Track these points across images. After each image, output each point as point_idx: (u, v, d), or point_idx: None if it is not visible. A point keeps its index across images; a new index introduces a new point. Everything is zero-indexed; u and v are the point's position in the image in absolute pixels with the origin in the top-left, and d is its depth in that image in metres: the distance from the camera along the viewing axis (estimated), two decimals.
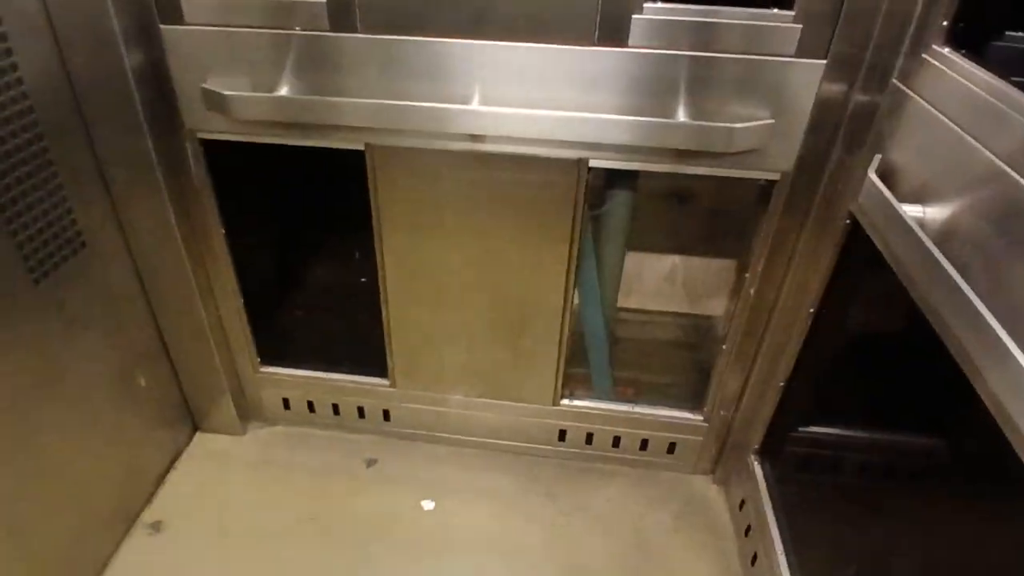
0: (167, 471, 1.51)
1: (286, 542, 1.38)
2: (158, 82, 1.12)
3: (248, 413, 1.62)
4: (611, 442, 1.52)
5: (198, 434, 1.62)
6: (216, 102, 1.10)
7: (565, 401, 1.48)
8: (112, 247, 1.26)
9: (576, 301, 1.40)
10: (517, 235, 1.24)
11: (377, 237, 1.27)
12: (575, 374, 1.50)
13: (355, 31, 1.05)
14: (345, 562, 1.35)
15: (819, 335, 1.15)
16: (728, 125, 1.00)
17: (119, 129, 1.14)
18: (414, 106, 1.06)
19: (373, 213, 1.24)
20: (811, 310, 1.14)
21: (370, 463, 1.55)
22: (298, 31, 1.06)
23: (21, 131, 1.01)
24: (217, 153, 1.23)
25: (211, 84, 1.11)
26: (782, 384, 1.24)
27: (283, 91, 1.10)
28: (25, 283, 1.06)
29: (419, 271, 1.31)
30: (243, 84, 1.11)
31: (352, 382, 1.53)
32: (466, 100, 1.06)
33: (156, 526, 1.40)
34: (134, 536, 1.38)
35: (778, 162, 1.08)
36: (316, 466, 1.54)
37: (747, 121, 1.02)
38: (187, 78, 1.12)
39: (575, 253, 1.25)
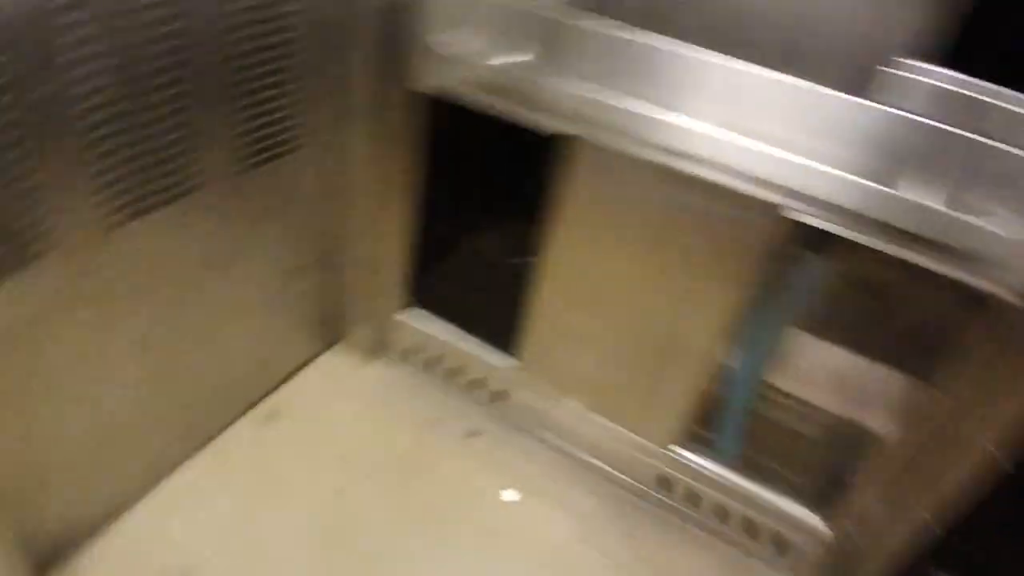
0: (292, 374, 1.63)
1: (367, 479, 1.43)
2: (395, 26, 1.19)
3: (380, 347, 1.70)
4: (715, 511, 1.40)
5: (330, 350, 1.72)
6: (444, 58, 1.15)
7: (678, 449, 1.38)
8: (318, 159, 1.37)
9: (728, 355, 1.30)
10: (690, 264, 1.16)
11: (548, 224, 1.26)
12: (698, 430, 1.40)
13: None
14: (409, 517, 1.37)
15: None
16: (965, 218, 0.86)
17: (351, 61, 1.24)
18: (619, 107, 1.03)
19: (551, 200, 1.23)
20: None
21: (471, 434, 1.56)
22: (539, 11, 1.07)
23: (281, 44, 1.14)
24: (427, 107, 1.28)
25: (445, 39, 1.15)
26: (928, 521, 1.06)
27: (508, 60, 1.12)
28: (239, 167, 1.18)
29: (578, 268, 1.29)
30: (474, 45, 1.14)
31: (481, 352, 1.55)
32: (679, 111, 1.01)
33: (268, 418, 1.52)
34: (246, 420, 1.50)
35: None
36: (421, 417, 1.58)
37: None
38: (424, 29, 1.17)
39: (745, 305, 1.16)
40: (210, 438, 1.44)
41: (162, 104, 0.98)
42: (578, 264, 1.28)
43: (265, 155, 1.22)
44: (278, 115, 1.21)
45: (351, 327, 1.67)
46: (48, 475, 1.09)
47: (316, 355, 1.69)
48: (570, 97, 1.08)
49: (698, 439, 1.41)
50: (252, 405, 1.52)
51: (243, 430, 1.48)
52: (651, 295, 1.24)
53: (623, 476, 1.47)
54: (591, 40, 1.05)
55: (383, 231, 1.48)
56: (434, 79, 1.20)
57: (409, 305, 1.61)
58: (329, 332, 1.69)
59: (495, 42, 1.12)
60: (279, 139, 1.24)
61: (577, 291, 1.31)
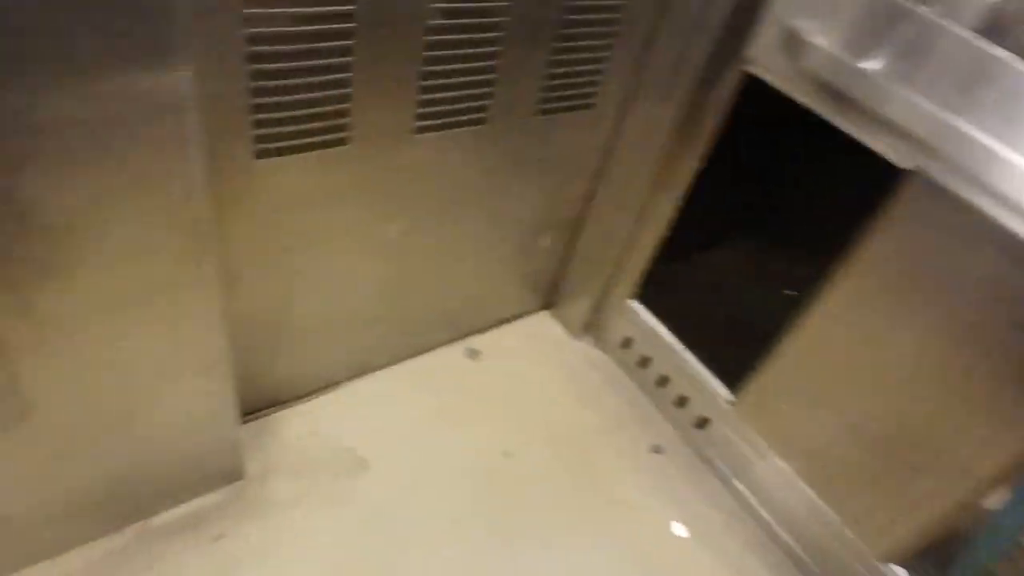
0: (502, 322, 1.63)
1: (538, 451, 1.39)
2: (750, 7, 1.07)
3: (593, 327, 1.64)
4: None
5: (541, 312, 1.70)
6: (792, 45, 1.01)
7: (896, 568, 1.15)
8: (605, 124, 1.31)
9: (995, 493, 1.04)
10: (1002, 369, 0.92)
11: (841, 263, 1.08)
12: (926, 558, 1.14)
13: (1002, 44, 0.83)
14: (566, 509, 1.31)
15: None
16: None
17: (683, 28, 1.15)
18: (988, 145, 0.82)
19: (856, 238, 1.04)
20: None
21: (656, 449, 1.45)
22: (923, 10, 0.88)
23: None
24: (746, 95, 1.15)
25: (797, 25, 1.00)
26: None
27: (861, 63, 0.94)
28: (532, 110, 1.17)
29: (854, 323, 1.09)
30: (828, 38, 0.98)
31: (699, 372, 1.41)
32: None
33: (472, 354, 1.54)
34: (450, 349, 1.54)
35: None
36: (612, 411, 1.51)
37: None
38: (776, 11, 1.04)
39: None
40: (416, 353, 1.49)
41: (484, 42, 1.00)
42: (857, 319, 1.08)
43: (558, 104, 1.19)
44: (585, 68, 1.17)
45: (569, 298, 1.63)
46: (281, 336, 1.19)
47: (528, 312, 1.68)
48: (923, 120, 0.89)
49: (922, 568, 1.16)
50: (458, 338, 1.56)
51: (445, 357, 1.52)
52: (934, 386, 1.01)
53: (813, 566, 1.27)
54: (965, 52, 0.84)
55: (642, 214, 1.39)
56: (777, 66, 1.06)
57: (637, 297, 1.52)
58: (546, 295, 1.67)
59: (854, 39, 0.96)
60: (577, 92, 1.20)
61: (841, 347, 1.12)
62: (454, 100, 1.04)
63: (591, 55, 1.15)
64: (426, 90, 1.00)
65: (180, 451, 1.05)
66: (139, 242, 0.75)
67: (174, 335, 0.88)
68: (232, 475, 1.18)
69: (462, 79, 1.02)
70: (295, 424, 1.31)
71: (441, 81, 1.00)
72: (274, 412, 1.31)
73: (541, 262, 1.55)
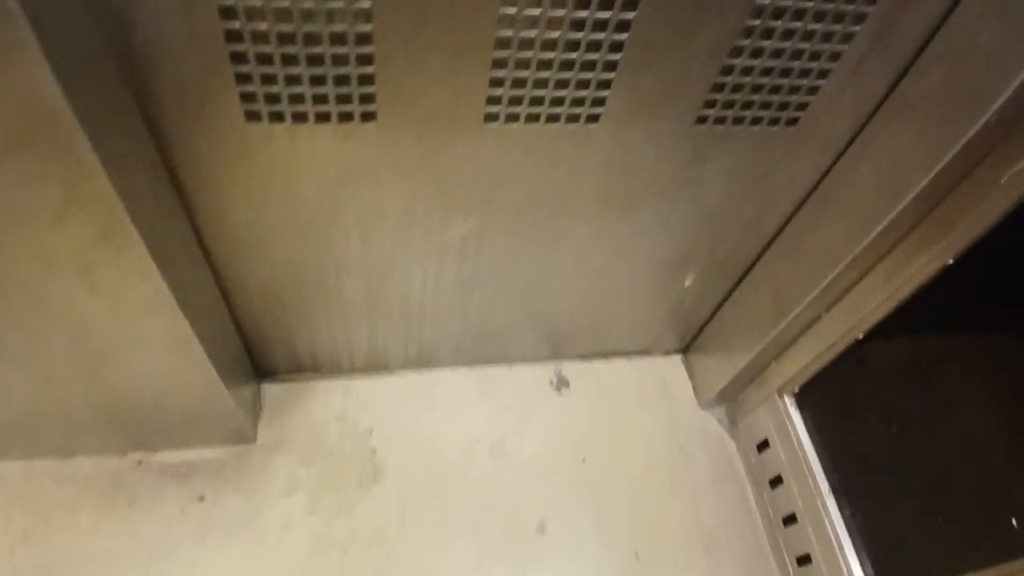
0: (616, 355, 1.30)
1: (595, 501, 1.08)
2: None
3: (730, 400, 1.23)
4: None
5: (676, 356, 1.32)
6: None
7: None
8: (809, 152, 0.85)
9: None
10: None
11: None
12: None
13: None
14: None
15: None
16: None
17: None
18: None
19: None
20: None
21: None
22: None
23: None
24: None
25: None
26: None
27: None
28: (693, 117, 0.78)
29: None
30: None
31: (838, 535, 0.97)
32: None
33: (560, 383, 1.25)
34: (537, 370, 1.27)
35: None
36: (701, 525, 1.13)
37: None
38: None
39: None
40: (492, 361, 1.24)
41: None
42: None
43: (733, 112, 0.77)
44: (795, 65, 0.73)
45: (712, 350, 1.22)
46: (314, 306, 1.02)
47: (652, 350, 1.31)
48: None
49: None
50: (549, 357, 1.26)
51: (526, 376, 1.25)
52: None
53: None
54: None
55: (833, 289, 0.92)
56: None
57: (794, 395, 1.07)
58: (683, 333, 1.27)
59: None
60: (773, 99, 0.77)
61: None
62: (548, 83, 0.70)
63: (812, 44, 0.71)
64: (500, 64, 0.67)
65: (174, 403, 0.96)
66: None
67: (118, 310, 0.74)
68: (239, 436, 1.09)
69: (563, 55, 0.67)
70: (328, 400, 1.17)
71: (526, 54, 0.66)
72: (314, 379, 1.18)
73: (682, 297, 1.16)
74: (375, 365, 1.18)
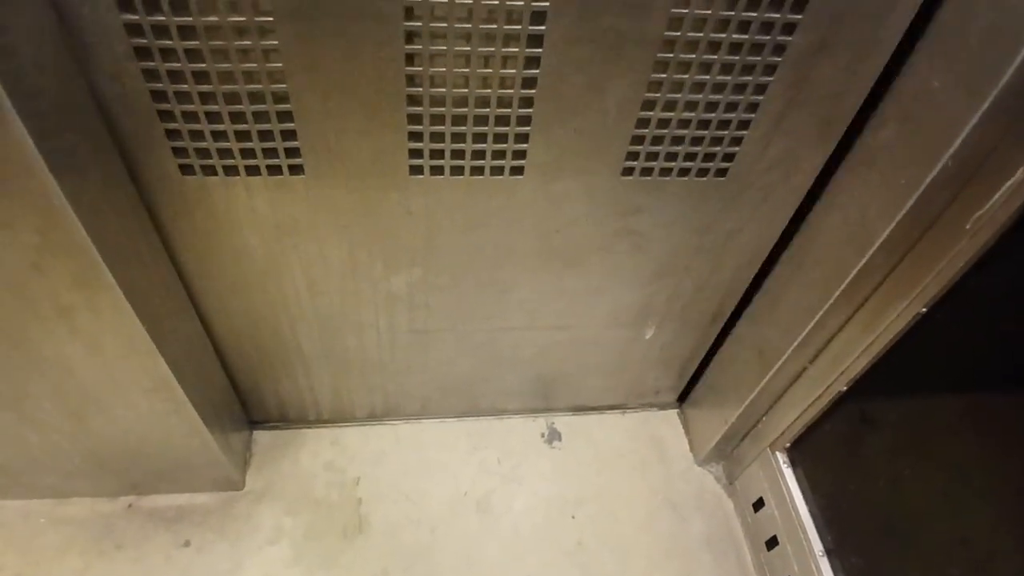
0: (612, 408, 1.28)
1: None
2: None
3: (725, 457, 1.20)
4: None
5: (673, 410, 1.30)
6: None
7: None
8: (745, 203, 0.85)
9: None
10: None
11: None
12: None
13: None
14: None
15: None
16: None
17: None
18: None
19: None
20: None
21: None
22: None
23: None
24: None
25: None
26: None
27: None
28: (614, 169, 0.78)
29: None
30: None
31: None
32: None
33: (552, 435, 1.24)
34: (529, 424, 1.25)
35: None
36: (684, 549, 1.08)
37: None
38: None
39: None
40: (482, 413, 1.24)
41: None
42: None
43: (656, 164, 0.78)
44: (718, 116, 0.74)
45: (708, 404, 1.19)
46: (296, 357, 1.04)
47: (649, 404, 1.29)
48: None
49: None
50: (542, 410, 1.25)
51: (517, 429, 1.24)
52: None
53: None
54: None
55: (813, 339, 0.90)
56: None
57: (787, 451, 1.04)
58: (678, 384, 1.25)
59: None
60: (698, 150, 0.77)
61: None
62: (465, 137, 0.72)
63: (725, 95, 0.72)
64: (416, 119, 0.69)
65: (159, 448, 0.98)
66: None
67: (99, 354, 0.77)
68: (227, 483, 1.10)
69: (476, 111, 0.69)
70: (317, 449, 1.18)
71: (439, 110, 0.69)
72: (303, 428, 1.19)
73: (647, 349, 1.14)
74: (343, 416, 1.19)
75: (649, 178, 0.79)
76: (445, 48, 0.63)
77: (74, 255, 0.65)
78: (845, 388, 0.89)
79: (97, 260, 0.66)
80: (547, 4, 0.61)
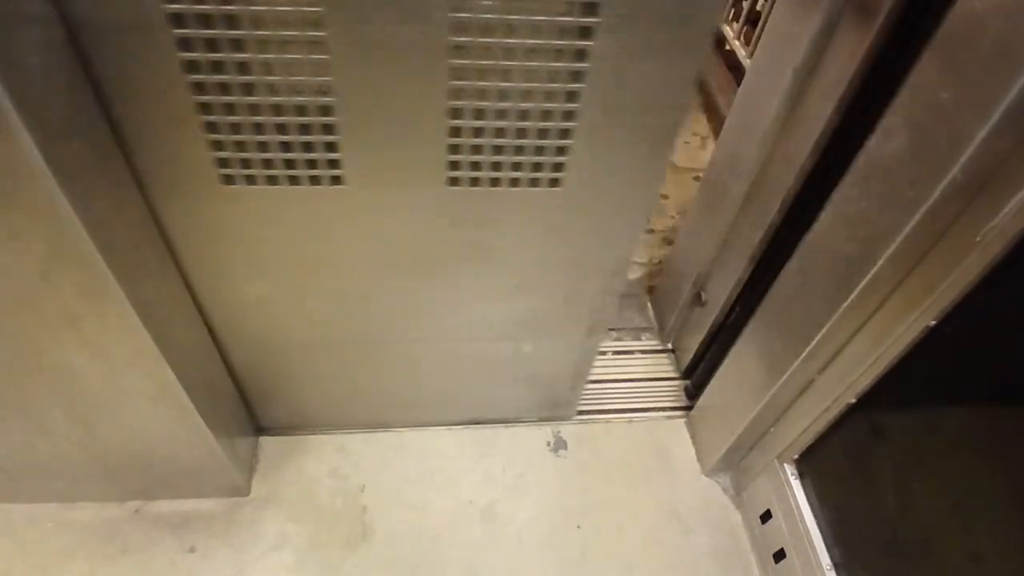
0: (625, 411, 1.27)
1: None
2: None
3: (733, 468, 1.18)
4: None
5: (682, 419, 1.29)
6: None
7: None
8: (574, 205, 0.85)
9: None
10: None
11: None
12: None
13: None
14: None
15: None
16: None
17: None
18: None
19: None
20: None
21: None
22: None
23: None
24: None
25: None
26: None
27: None
28: (440, 183, 0.78)
29: None
30: None
31: None
32: None
33: (558, 444, 1.23)
34: (534, 432, 1.25)
35: None
36: (700, 552, 1.07)
37: None
38: None
39: None
40: (489, 421, 1.24)
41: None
42: None
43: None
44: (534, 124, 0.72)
45: (715, 413, 1.18)
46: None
47: (661, 407, 1.28)
48: None
49: None
50: (547, 419, 1.25)
51: (523, 437, 1.23)
52: None
53: None
54: None
55: (830, 359, 0.89)
56: None
57: (795, 463, 1.03)
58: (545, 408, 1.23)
59: None
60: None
61: None
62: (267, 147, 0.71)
63: (536, 102, 0.70)
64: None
65: (165, 454, 0.99)
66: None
67: (106, 362, 0.78)
68: (233, 489, 1.10)
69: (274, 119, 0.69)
70: (322, 456, 1.18)
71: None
72: (309, 434, 1.20)
73: (527, 363, 1.11)
74: (348, 422, 1.19)
75: (479, 188, 0.77)
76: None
77: (81, 265, 0.66)
78: (854, 400, 0.88)
79: (104, 270, 0.67)
80: (321, 10, 0.59)
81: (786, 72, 0.89)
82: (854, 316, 0.82)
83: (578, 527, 1.13)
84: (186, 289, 0.87)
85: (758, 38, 1.71)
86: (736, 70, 2.04)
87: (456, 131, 0.70)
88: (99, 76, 0.62)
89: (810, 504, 1.00)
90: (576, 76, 0.67)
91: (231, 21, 0.60)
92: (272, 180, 0.74)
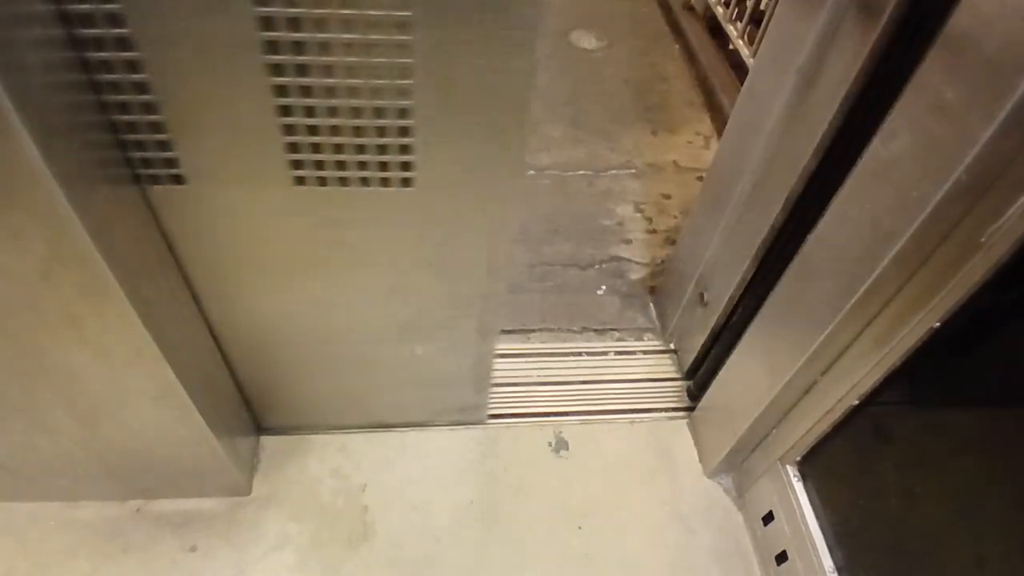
0: (622, 411, 1.26)
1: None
2: None
3: (735, 469, 1.18)
4: None
5: (684, 420, 1.28)
6: None
7: None
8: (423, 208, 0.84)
9: None
10: None
11: None
12: None
13: None
14: None
15: None
16: None
17: None
18: None
19: None
20: None
21: None
22: None
23: None
24: None
25: None
26: None
27: None
28: (287, 182, 0.76)
29: None
30: None
31: None
32: None
33: (559, 445, 1.23)
34: (535, 433, 1.24)
35: None
36: (697, 557, 1.06)
37: None
38: None
39: None
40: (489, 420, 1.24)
41: None
42: None
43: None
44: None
45: (717, 413, 1.18)
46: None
47: (662, 408, 1.27)
48: None
49: None
50: (551, 419, 1.25)
51: (525, 438, 1.23)
52: None
53: None
54: None
55: (834, 360, 0.89)
56: None
57: (798, 464, 1.02)
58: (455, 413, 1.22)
59: None
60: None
61: None
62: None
63: (364, 99, 0.69)
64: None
65: (166, 454, 0.99)
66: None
67: (107, 362, 0.78)
68: (234, 488, 1.10)
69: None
70: (324, 455, 1.18)
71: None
72: (311, 434, 1.19)
73: (422, 371, 1.09)
74: (350, 422, 1.19)
75: (327, 188, 0.75)
76: None
77: (81, 265, 0.66)
78: (857, 402, 0.87)
79: (104, 270, 0.66)
80: (120, 6, 0.58)
81: (790, 71, 0.89)
82: (857, 317, 0.82)
83: (579, 528, 1.13)
84: (187, 289, 0.87)
85: (761, 37, 1.71)
86: (739, 69, 2.04)
87: (290, 129, 0.69)
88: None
89: (812, 506, 0.99)
90: (403, 72, 0.65)
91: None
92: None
